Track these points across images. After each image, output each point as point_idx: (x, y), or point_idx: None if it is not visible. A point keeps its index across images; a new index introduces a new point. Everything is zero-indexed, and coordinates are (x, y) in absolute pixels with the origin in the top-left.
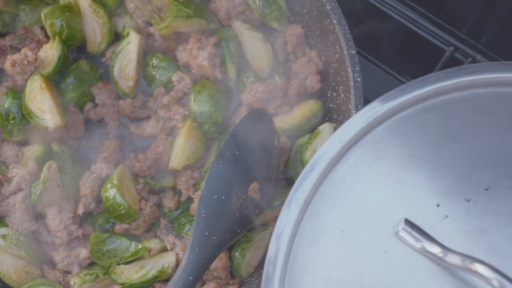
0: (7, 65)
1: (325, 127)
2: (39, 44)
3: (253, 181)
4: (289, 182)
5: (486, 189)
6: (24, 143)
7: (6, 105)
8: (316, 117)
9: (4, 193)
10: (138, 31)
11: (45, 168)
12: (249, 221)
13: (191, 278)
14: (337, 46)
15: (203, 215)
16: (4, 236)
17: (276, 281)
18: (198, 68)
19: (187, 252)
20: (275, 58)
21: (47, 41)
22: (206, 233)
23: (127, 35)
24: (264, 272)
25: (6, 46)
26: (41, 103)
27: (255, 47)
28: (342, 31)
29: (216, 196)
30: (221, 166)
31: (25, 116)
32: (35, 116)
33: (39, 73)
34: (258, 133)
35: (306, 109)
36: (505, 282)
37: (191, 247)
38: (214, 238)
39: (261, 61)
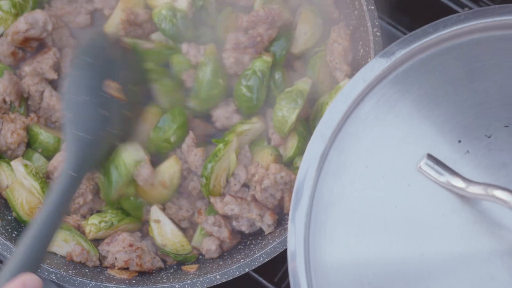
0: None
1: (345, 81)
2: None
3: (107, 80)
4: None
5: (506, 126)
6: None
7: None
8: None
9: None
10: None
11: None
12: (120, 120)
13: (74, 174)
14: (356, 3)
15: (72, 117)
16: (26, 165)
17: (302, 216)
18: None
19: (65, 154)
20: None
21: None
22: (80, 134)
23: None
24: (292, 205)
25: None
26: None
27: None
28: None
29: (78, 98)
30: (76, 72)
31: None
32: None
33: None
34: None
35: None
36: None
37: (68, 148)
38: (89, 137)
39: None
